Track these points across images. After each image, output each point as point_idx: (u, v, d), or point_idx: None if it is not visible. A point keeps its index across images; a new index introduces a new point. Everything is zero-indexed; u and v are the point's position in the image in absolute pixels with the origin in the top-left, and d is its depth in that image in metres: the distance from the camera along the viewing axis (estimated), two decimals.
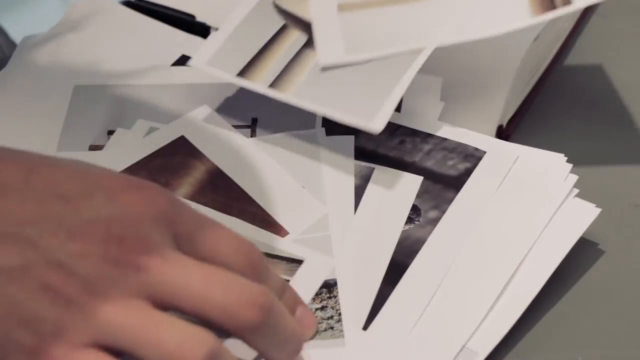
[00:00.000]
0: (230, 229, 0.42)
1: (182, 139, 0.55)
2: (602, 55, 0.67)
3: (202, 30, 0.65)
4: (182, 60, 0.62)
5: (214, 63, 0.55)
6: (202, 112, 0.57)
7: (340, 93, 0.53)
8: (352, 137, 0.55)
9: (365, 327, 0.46)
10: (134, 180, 0.41)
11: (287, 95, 0.53)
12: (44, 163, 0.41)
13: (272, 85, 0.54)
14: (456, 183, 0.52)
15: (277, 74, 0.55)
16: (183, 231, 0.40)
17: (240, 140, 0.55)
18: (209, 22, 0.65)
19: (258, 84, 0.54)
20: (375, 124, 0.51)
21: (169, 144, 0.55)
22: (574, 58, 0.66)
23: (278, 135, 0.56)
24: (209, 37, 0.59)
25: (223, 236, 0.41)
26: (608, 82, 0.64)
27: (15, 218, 0.38)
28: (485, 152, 0.53)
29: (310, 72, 0.55)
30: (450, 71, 0.59)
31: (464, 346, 0.46)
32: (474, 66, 0.60)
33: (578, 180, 0.52)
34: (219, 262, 0.40)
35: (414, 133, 0.55)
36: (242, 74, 0.55)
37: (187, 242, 0.40)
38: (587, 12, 0.69)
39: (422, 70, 0.60)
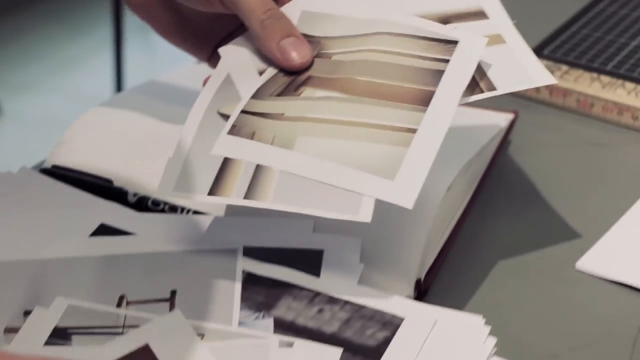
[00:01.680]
0: None
1: (146, 349, 0.52)
2: (517, 195, 0.68)
3: (120, 196, 0.66)
4: (101, 230, 0.62)
5: (181, 188, 0.55)
6: (170, 318, 0.54)
7: (321, 187, 0.53)
8: None
9: None
10: None
11: (267, 202, 0.53)
12: None
13: (247, 195, 0.54)
14: (375, 354, 0.52)
15: (248, 182, 0.54)
16: None
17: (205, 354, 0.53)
18: (126, 187, 0.66)
19: (233, 198, 0.54)
20: (364, 215, 0.52)
21: (130, 354, 0.52)
22: (489, 200, 0.68)
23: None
24: (167, 164, 0.57)
25: None
26: (523, 224, 0.66)
27: None
28: (403, 319, 0.54)
29: (282, 173, 0.54)
30: (367, 228, 0.60)
31: None
32: (390, 221, 0.60)
33: (495, 333, 0.53)
34: None
35: (333, 300, 0.55)
36: (212, 192, 0.54)
37: None
38: (499, 153, 0.71)
39: (341, 231, 0.61)
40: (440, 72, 0.58)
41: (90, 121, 0.71)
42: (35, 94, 2.41)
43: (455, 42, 0.59)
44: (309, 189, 0.54)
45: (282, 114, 0.57)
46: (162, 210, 0.65)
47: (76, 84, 2.45)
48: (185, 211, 0.64)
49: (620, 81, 0.77)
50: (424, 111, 0.56)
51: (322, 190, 0.53)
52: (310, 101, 0.58)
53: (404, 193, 0.53)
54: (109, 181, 0.67)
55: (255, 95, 0.59)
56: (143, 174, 0.66)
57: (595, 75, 0.78)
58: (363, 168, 0.54)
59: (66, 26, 2.69)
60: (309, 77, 0.59)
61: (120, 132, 0.70)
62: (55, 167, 0.68)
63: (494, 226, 0.65)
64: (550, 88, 0.78)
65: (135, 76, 2.29)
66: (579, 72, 0.79)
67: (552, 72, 0.79)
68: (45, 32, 2.66)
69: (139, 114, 0.71)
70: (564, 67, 0.80)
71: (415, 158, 0.54)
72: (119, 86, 2.26)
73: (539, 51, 0.83)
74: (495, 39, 0.61)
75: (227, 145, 0.56)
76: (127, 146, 0.69)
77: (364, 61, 0.59)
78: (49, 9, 2.72)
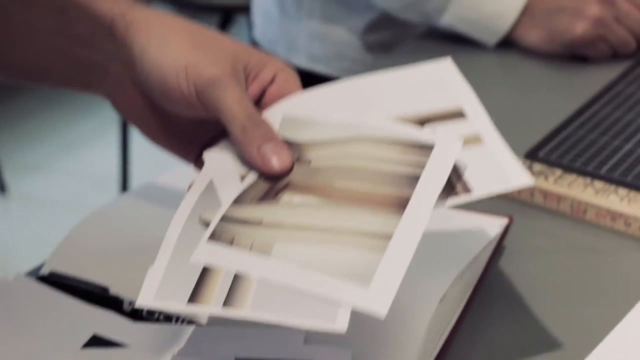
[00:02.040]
0: None
1: None
2: (510, 304, 0.68)
3: (115, 304, 0.66)
4: (93, 341, 0.62)
5: (161, 296, 0.56)
6: None
7: (298, 295, 0.54)
8: None
9: None
10: None
11: (244, 311, 0.54)
12: None
13: (226, 303, 0.54)
14: None
15: (227, 290, 0.55)
16: None
17: None
18: (122, 295, 0.66)
19: (211, 307, 0.54)
20: (340, 325, 0.52)
21: None
22: (482, 309, 0.68)
23: None
24: (149, 274, 0.58)
25: None
26: (515, 334, 0.66)
27: None
28: None
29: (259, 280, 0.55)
30: (358, 340, 0.60)
31: None
32: (382, 333, 0.61)
33: None
34: None
35: None
36: (192, 300, 0.55)
37: None
38: (492, 260, 0.71)
39: (331, 342, 0.61)
40: (417, 177, 0.59)
41: (88, 228, 0.72)
42: (41, 175, 2.44)
43: (431, 146, 0.60)
44: (287, 297, 0.54)
45: (261, 221, 0.58)
46: (157, 319, 0.65)
47: (83, 164, 2.48)
48: (180, 320, 0.64)
49: (613, 187, 0.78)
50: (400, 217, 0.57)
51: (300, 299, 0.54)
52: (289, 207, 0.59)
53: (377, 303, 0.53)
54: (105, 289, 0.67)
55: (236, 201, 0.60)
56: (139, 282, 0.66)
57: (589, 180, 0.79)
58: (339, 275, 0.54)
59: (73, 106, 2.72)
60: (289, 183, 0.60)
61: (118, 240, 0.70)
62: (52, 274, 0.69)
63: (487, 336, 0.65)
64: (544, 193, 0.79)
65: (142, 156, 2.31)
66: (573, 176, 0.80)
67: (546, 176, 0.80)
68: (52, 112, 2.69)
69: (137, 220, 0.72)
70: (558, 172, 0.81)
71: (390, 266, 0.54)
72: (125, 166, 2.29)
73: (534, 153, 0.84)
74: (473, 140, 0.62)
75: (206, 253, 0.57)
76: (125, 253, 0.69)
77: (342, 167, 0.60)
78: (56, 89, 2.76)
